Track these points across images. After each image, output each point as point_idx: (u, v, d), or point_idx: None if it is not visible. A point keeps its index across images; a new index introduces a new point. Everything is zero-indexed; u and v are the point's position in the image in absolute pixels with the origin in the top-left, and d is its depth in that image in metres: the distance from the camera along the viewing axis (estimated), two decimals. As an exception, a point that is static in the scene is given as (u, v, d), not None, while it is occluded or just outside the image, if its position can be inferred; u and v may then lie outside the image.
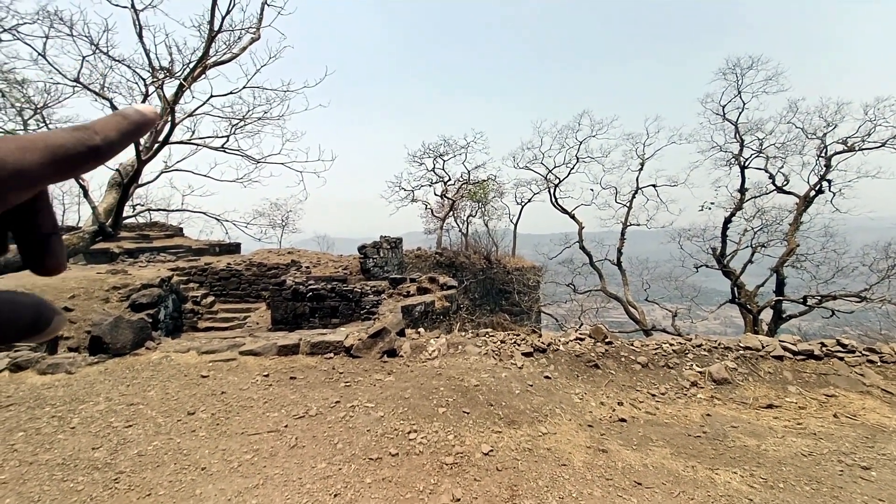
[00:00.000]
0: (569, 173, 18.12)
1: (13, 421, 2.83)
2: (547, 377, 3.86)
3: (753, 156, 13.35)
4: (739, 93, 13.30)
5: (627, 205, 16.22)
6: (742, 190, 13.35)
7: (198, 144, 7.66)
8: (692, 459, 2.65)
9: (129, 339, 4.23)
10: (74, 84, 6.41)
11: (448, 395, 3.44)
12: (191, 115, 6.75)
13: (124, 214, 7.39)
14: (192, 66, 7.07)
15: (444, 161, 21.04)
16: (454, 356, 4.26)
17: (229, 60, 7.28)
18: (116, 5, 6.40)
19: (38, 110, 7.71)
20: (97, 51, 6.07)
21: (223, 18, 6.29)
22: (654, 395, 3.61)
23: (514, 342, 4.35)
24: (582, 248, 16.24)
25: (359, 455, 2.62)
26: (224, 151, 7.46)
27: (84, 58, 6.37)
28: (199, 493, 2.21)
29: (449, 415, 3.15)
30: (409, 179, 21.51)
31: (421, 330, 4.87)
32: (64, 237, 5.72)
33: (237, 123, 7.65)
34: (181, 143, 7.41)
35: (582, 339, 4.36)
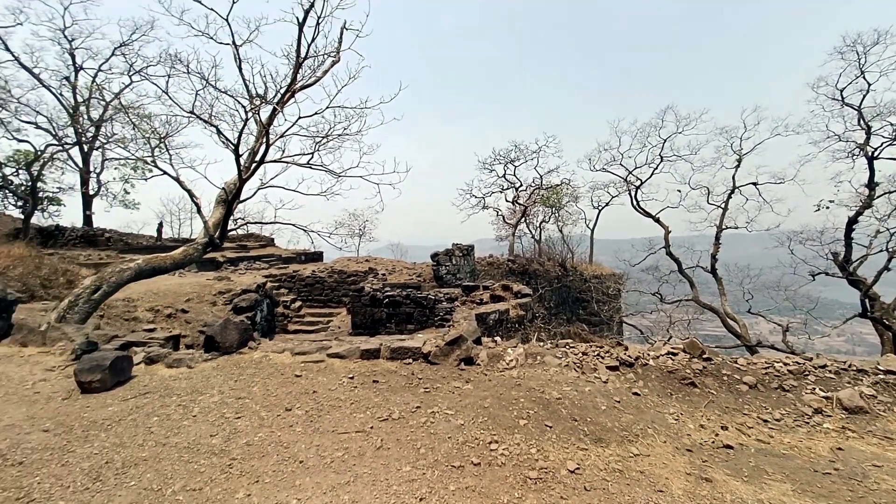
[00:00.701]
0: (651, 174, 16.98)
1: (149, 407, 3.29)
2: (636, 394, 3.61)
3: (885, 144, 11.39)
4: (863, 73, 11.51)
5: (722, 206, 14.73)
6: (871, 185, 11.43)
7: (287, 162, 8.44)
8: (822, 500, 2.30)
9: (235, 339, 4.73)
10: (189, 115, 7.44)
11: (529, 406, 3.36)
12: (282, 136, 7.48)
13: (228, 227, 8.38)
14: (282, 91, 7.85)
15: (516, 167, 20.85)
16: (533, 367, 4.16)
17: (313, 84, 7.96)
18: (221, 43, 7.34)
19: (162, 139, 9.02)
20: (207, 84, 6.99)
21: (308, 46, 6.92)
22: (766, 421, 3.20)
23: (598, 354, 4.13)
24: (669, 253, 15.02)
25: (441, 461, 2.65)
26: (310, 167, 8.13)
27: (197, 92, 7.37)
28: (299, 484, 2.38)
29: (531, 427, 3.07)
30: (480, 186, 21.64)
31: (497, 338, 4.83)
32: (181, 248, 6.56)
33: (320, 141, 8.32)
34: (274, 161, 8.23)
35: (675, 354, 4.02)
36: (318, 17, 6.40)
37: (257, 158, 7.23)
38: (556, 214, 20.15)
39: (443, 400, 3.61)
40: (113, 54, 20.04)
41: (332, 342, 4.94)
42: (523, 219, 20.08)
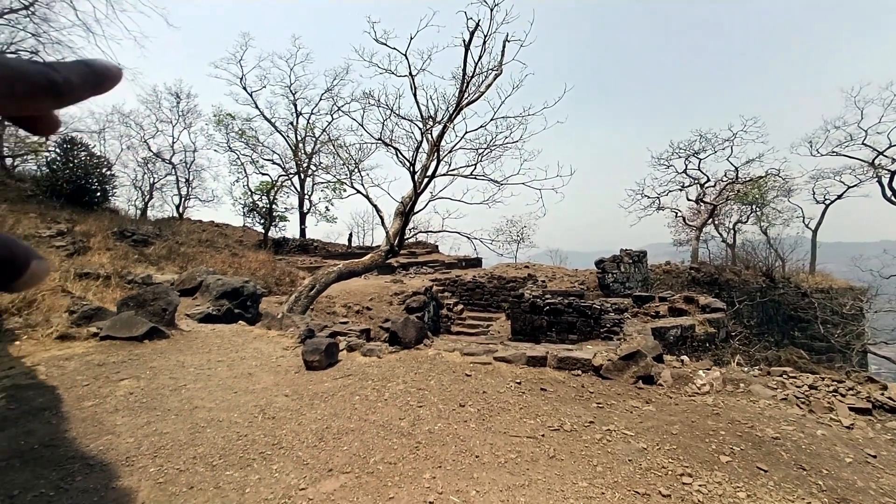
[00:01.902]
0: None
1: (352, 387, 3.92)
2: (903, 449, 2.67)
3: None
4: None
5: None
6: None
7: (454, 175, 9.10)
8: None
9: (413, 336, 5.28)
10: (377, 141, 8.72)
11: (732, 441, 2.82)
12: (450, 151, 8.13)
13: (405, 236, 9.50)
14: (450, 110, 8.54)
15: (700, 160, 17.91)
16: (734, 395, 3.48)
17: (478, 99, 8.40)
18: (400, 76, 8.39)
19: (357, 164, 10.80)
20: (391, 114, 8.12)
21: (476, 64, 7.36)
22: None
23: (834, 390, 3.21)
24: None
25: (622, 484, 2.43)
26: (474, 178, 8.60)
27: (383, 121, 8.60)
28: (476, 477, 2.50)
29: (736, 467, 2.56)
30: (654, 185, 19.32)
31: (684, 358, 4.21)
32: (369, 255, 7.61)
33: (483, 152, 8.73)
34: (442, 175, 8.97)
35: (974, 403, 2.84)
36: (485, 35, 6.78)
37: (429, 173, 8.02)
38: (758, 213, 16.48)
39: (619, 418, 3.32)
40: (321, 99, 25.18)
41: (497, 346, 5.07)
42: (711, 220, 17.09)
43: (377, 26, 7.82)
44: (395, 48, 7.56)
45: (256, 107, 24.22)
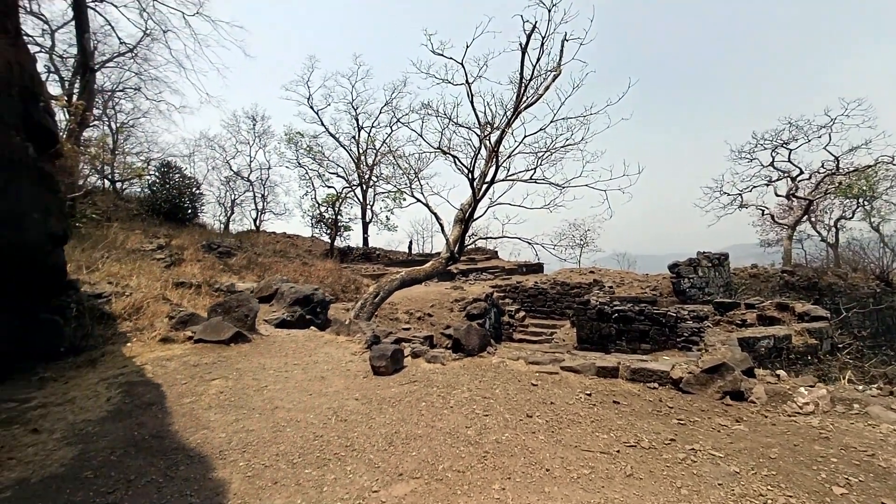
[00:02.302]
0: None
1: (418, 393, 3.98)
2: None
3: None
4: None
5: None
6: None
7: (513, 180, 9.00)
8: None
9: (476, 344, 5.25)
10: (436, 150, 8.88)
11: (847, 471, 2.46)
12: (509, 156, 8.05)
13: (465, 243, 9.54)
14: (508, 114, 8.47)
15: (791, 150, 16.03)
16: (846, 417, 3.06)
17: (536, 101, 8.25)
18: (456, 84, 8.49)
19: (416, 174, 11.07)
20: (449, 123, 8.24)
21: (533, 67, 7.25)
22: None
23: (981, 415, 2.70)
24: None
25: (713, 511, 2.22)
26: (534, 182, 8.44)
27: (442, 130, 8.74)
28: (548, 492, 2.41)
29: (854, 501, 2.23)
30: (734, 181, 17.56)
31: (780, 373, 3.78)
32: (430, 262, 7.77)
33: (543, 155, 8.54)
34: (501, 180, 8.91)
35: None
36: (543, 37, 6.67)
37: (487, 179, 8.00)
38: (867, 207, 14.34)
39: (704, 437, 3.05)
40: (380, 112, 26.27)
41: (564, 355, 4.90)
42: (806, 217, 15.20)
43: (433, 38, 8.00)
44: (451, 58, 7.70)
45: (322, 124, 25.85)
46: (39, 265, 4.61)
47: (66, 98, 11.24)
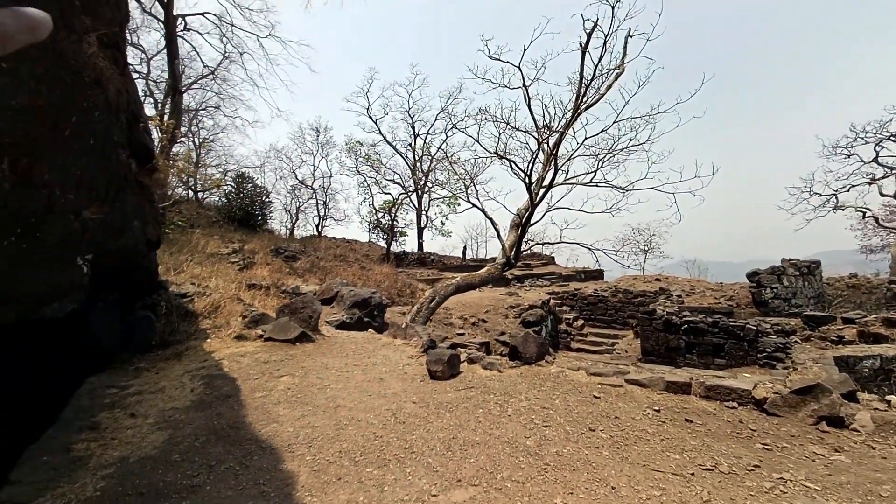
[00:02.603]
0: None
1: (475, 399, 3.95)
2: None
3: None
4: None
5: None
6: None
7: (572, 184, 8.72)
8: None
9: (534, 352, 5.12)
10: (492, 155, 8.83)
11: None
12: (569, 159, 7.81)
13: (521, 248, 9.38)
14: (568, 116, 8.24)
15: (899, 143, 14.03)
16: (981, 453, 2.59)
17: (597, 102, 7.95)
18: (513, 88, 8.41)
19: (472, 179, 11.09)
20: (507, 126, 8.17)
21: (595, 66, 6.98)
22: None
23: None
24: None
25: (810, 551, 1.96)
26: (594, 185, 8.12)
27: (498, 135, 8.69)
28: (615, 513, 2.27)
29: None
30: (827, 180, 15.57)
31: (891, 398, 3.30)
32: (485, 268, 7.70)
33: (604, 157, 8.19)
34: (560, 184, 8.66)
35: None
36: (606, 34, 6.42)
37: (545, 183, 7.82)
38: None
39: (796, 466, 2.73)
40: (436, 119, 26.76)
41: (629, 367, 4.63)
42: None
43: (490, 43, 7.99)
44: (508, 62, 7.64)
45: (380, 132, 26.81)
46: (138, 267, 5.18)
47: (158, 118, 12.61)
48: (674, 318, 9.09)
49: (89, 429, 3.25)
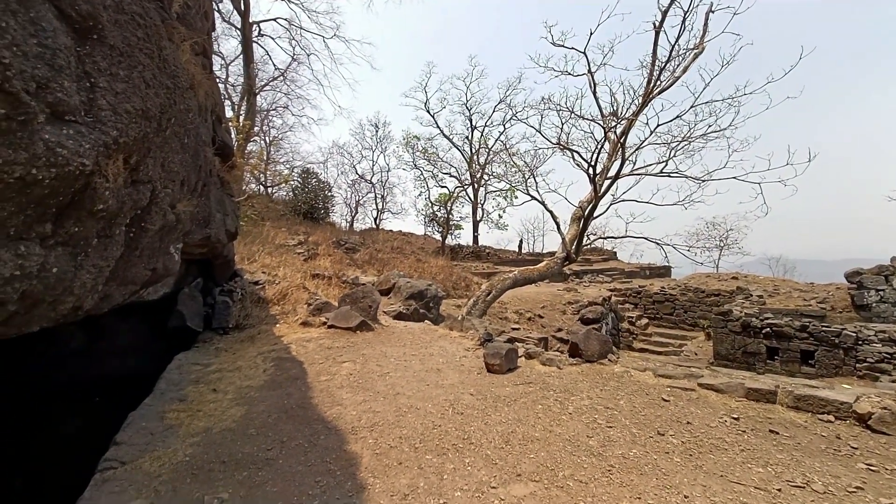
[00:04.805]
0: None
1: (534, 395, 3.88)
2: None
3: None
4: None
5: None
6: None
7: (640, 174, 8.21)
8: None
9: (596, 350, 4.93)
10: (554, 146, 8.55)
11: None
12: (638, 147, 7.34)
13: (583, 242, 9.03)
14: (638, 101, 7.74)
15: None
16: None
17: (671, 85, 7.38)
18: (577, 75, 8.06)
19: (532, 171, 10.82)
20: (570, 115, 7.85)
21: (672, 48, 6.45)
22: None
23: None
24: None
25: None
26: (666, 176, 7.58)
27: (561, 125, 8.38)
28: (688, 525, 2.12)
29: None
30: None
31: None
32: (544, 262, 7.51)
33: (677, 146, 7.60)
34: (627, 175, 8.19)
35: None
36: (685, 11, 5.90)
37: (610, 174, 7.43)
38: None
39: (911, 492, 2.38)
40: (494, 111, 26.52)
41: (703, 371, 4.31)
42: None
43: (553, 30, 7.71)
44: (572, 48, 7.31)
45: (437, 126, 27.04)
46: (219, 256, 5.65)
47: (236, 119, 13.64)
48: (753, 319, 8.29)
49: (178, 400, 3.62)
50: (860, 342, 6.78)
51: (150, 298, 4.25)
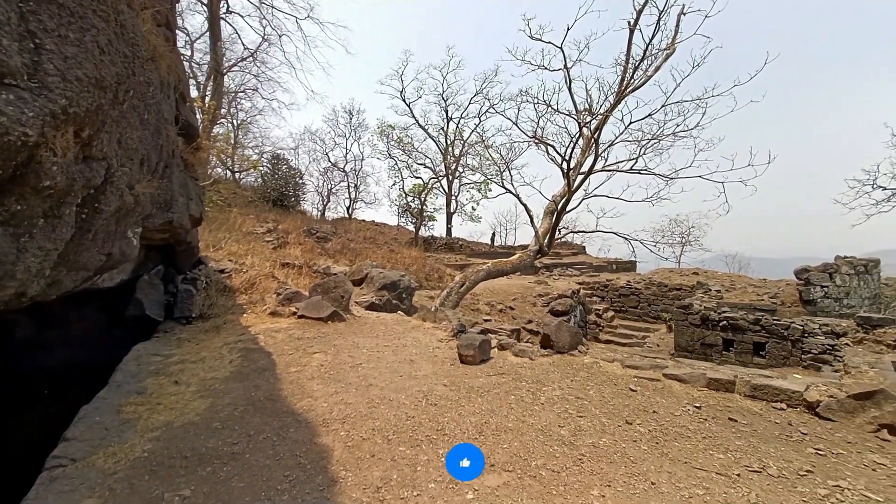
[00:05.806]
0: None
1: (506, 386, 3.91)
2: None
3: None
4: None
5: None
6: None
7: (612, 170, 8.40)
8: None
9: (566, 341, 5.02)
10: (530, 140, 8.59)
11: None
12: (611, 144, 7.50)
13: (556, 236, 9.18)
14: (611, 99, 7.87)
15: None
16: None
17: (643, 84, 7.55)
18: (553, 70, 8.10)
19: (507, 164, 10.88)
20: (547, 109, 7.90)
21: (646, 47, 6.56)
22: None
23: None
24: None
25: (872, 566, 1.83)
26: (636, 173, 7.78)
27: (538, 119, 8.43)
28: (655, 510, 2.19)
29: None
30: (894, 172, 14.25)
31: (966, 408, 3.03)
32: (517, 255, 7.58)
33: (647, 144, 7.81)
34: (599, 171, 8.35)
35: None
36: (660, 11, 6.02)
37: (584, 170, 7.56)
38: None
39: (854, 475, 2.56)
40: (470, 103, 26.39)
41: (667, 361, 4.47)
42: None
43: (531, 23, 7.70)
44: (549, 42, 7.34)
45: (413, 116, 26.73)
46: (182, 242, 5.37)
47: (201, 99, 12.96)
48: (711, 313, 8.71)
49: (136, 393, 3.42)
50: (806, 335, 7.26)
51: (106, 286, 3.99)
